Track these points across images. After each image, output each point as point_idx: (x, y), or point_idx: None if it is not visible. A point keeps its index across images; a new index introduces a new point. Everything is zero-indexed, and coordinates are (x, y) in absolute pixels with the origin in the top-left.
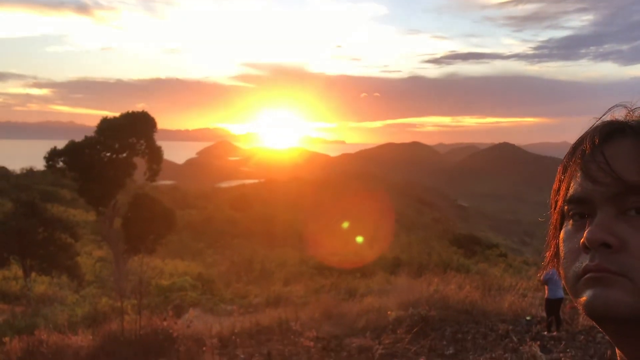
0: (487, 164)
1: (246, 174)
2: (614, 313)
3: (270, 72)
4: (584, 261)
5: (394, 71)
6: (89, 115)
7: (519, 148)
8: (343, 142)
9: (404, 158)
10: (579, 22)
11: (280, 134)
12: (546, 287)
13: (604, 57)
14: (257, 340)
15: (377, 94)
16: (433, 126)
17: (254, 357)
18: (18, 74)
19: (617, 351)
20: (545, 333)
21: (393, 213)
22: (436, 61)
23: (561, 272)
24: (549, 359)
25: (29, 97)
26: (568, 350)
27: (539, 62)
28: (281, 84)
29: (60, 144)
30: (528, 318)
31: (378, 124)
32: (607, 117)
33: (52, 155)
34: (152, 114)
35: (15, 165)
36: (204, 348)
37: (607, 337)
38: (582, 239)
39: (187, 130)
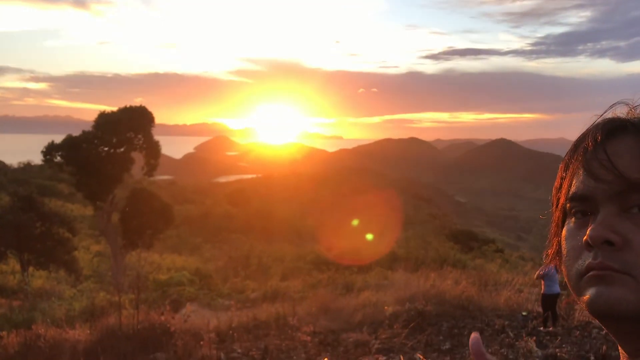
0: (484, 160)
1: (244, 169)
2: (617, 311)
3: (268, 67)
4: (587, 259)
5: (391, 67)
6: (87, 110)
7: (516, 144)
8: (341, 138)
9: (402, 154)
10: (576, 18)
11: (278, 129)
12: (542, 282)
13: (601, 53)
14: (255, 334)
15: (375, 90)
16: (431, 122)
17: (251, 351)
18: (15, 67)
19: (620, 349)
20: (542, 328)
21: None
22: (434, 57)
23: (563, 270)
24: (545, 354)
25: (26, 91)
26: (564, 345)
27: (537, 58)
28: (279, 79)
29: (58, 139)
30: (524, 313)
31: (376, 119)
32: (609, 114)
33: (50, 150)
34: (150, 108)
35: (13, 159)
36: (202, 342)
37: (608, 334)
38: (585, 237)
39: (184, 125)
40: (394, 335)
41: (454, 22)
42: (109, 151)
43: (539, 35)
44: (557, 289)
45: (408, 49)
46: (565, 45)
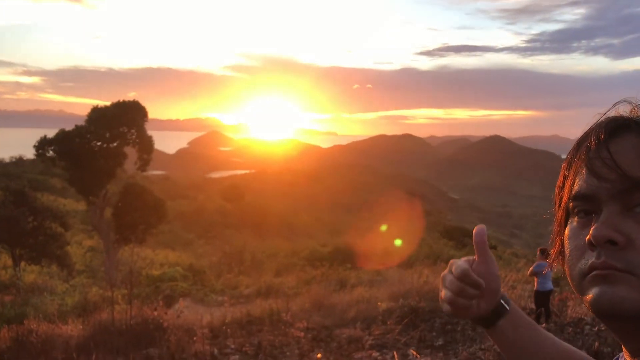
0: (478, 156)
1: (237, 164)
2: (621, 310)
3: (262, 63)
4: (590, 259)
5: (386, 63)
6: (80, 104)
7: (510, 141)
8: (335, 134)
9: (396, 150)
10: (571, 15)
11: (272, 124)
12: (535, 279)
13: (596, 51)
14: (248, 330)
15: (370, 86)
16: (425, 118)
17: (245, 347)
18: (7, 61)
19: (623, 348)
20: None
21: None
22: (429, 53)
23: (566, 269)
24: None
25: (18, 85)
26: None
27: (531, 55)
28: (273, 75)
29: (50, 133)
30: None
31: (370, 115)
32: (612, 113)
33: (42, 144)
34: (144, 103)
35: (5, 153)
36: (195, 338)
37: (600, 331)
38: (588, 236)
39: (178, 120)
40: (387, 331)
41: (449, 19)
42: (102, 146)
43: (533, 32)
44: (550, 285)
45: (403, 45)
46: (559, 42)
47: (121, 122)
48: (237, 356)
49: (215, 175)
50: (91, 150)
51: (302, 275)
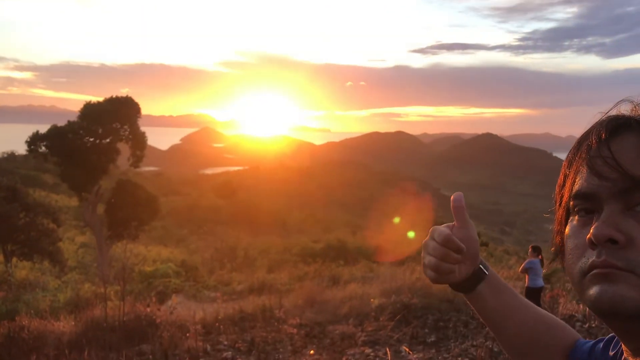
0: (470, 154)
1: (230, 161)
2: (621, 309)
3: (255, 59)
4: (591, 257)
5: (379, 60)
6: (72, 100)
7: (501, 139)
8: (328, 131)
9: (389, 147)
10: (563, 14)
11: (265, 121)
12: (526, 275)
13: (587, 49)
14: (241, 327)
15: (363, 83)
16: (417, 116)
17: (238, 343)
18: None
19: (623, 346)
20: None
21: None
22: (422, 51)
23: (566, 268)
24: None
25: (10, 80)
26: None
27: (524, 53)
28: (267, 72)
29: (43, 129)
30: None
31: (363, 112)
32: (613, 112)
33: (34, 140)
34: (136, 99)
35: None
36: (188, 334)
37: (591, 328)
38: (589, 235)
39: (171, 117)
40: (379, 327)
41: (441, 17)
42: (95, 142)
43: (526, 30)
44: (541, 282)
45: (396, 43)
46: (551, 40)
47: (114, 118)
48: (229, 352)
49: (208, 171)
50: (84, 146)
51: (295, 271)
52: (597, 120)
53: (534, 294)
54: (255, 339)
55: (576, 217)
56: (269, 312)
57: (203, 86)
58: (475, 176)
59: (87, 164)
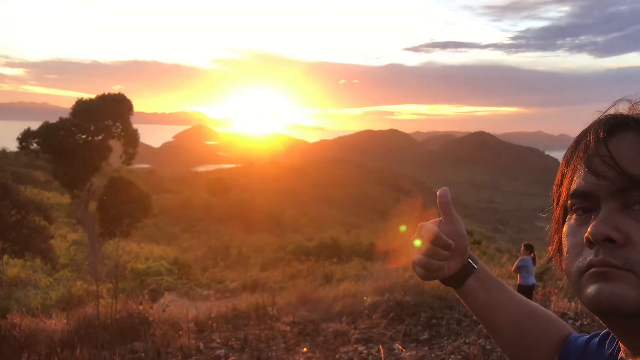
0: (463, 152)
1: (223, 158)
2: (619, 308)
3: (249, 57)
4: (588, 256)
5: (373, 58)
6: (64, 97)
7: (494, 137)
8: (322, 129)
9: (382, 145)
10: (556, 13)
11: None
12: (518, 274)
13: (580, 48)
14: (234, 325)
15: (357, 81)
16: (410, 114)
17: (231, 341)
18: None
19: (621, 345)
20: None
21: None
22: (415, 49)
23: (564, 266)
24: None
25: (1, 77)
26: None
27: (517, 52)
28: (260, 69)
29: (34, 125)
30: None
31: (357, 110)
32: (611, 111)
33: (26, 137)
34: (129, 96)
35: None
36: (180, 332)
37: (582, 325)
38: (586, 234)
39: (163, 114)
40: (372, 325)
41: (435, 15)
42: (87, 139)
43: (518, 29)
44: (532, 280)
45: (390, 41)
46: (544, 39)
47: (106, 115)
48: (223, 350)
49: (201, 169)
50: (76, 143)
51: (288, 269)
52: (594, 119)
53: (525, 291)
54: (248, 337)
55: (574, 216)
56: (262, 310)
57: (196, 83)
58: (469, 174)
59: (79, 161)
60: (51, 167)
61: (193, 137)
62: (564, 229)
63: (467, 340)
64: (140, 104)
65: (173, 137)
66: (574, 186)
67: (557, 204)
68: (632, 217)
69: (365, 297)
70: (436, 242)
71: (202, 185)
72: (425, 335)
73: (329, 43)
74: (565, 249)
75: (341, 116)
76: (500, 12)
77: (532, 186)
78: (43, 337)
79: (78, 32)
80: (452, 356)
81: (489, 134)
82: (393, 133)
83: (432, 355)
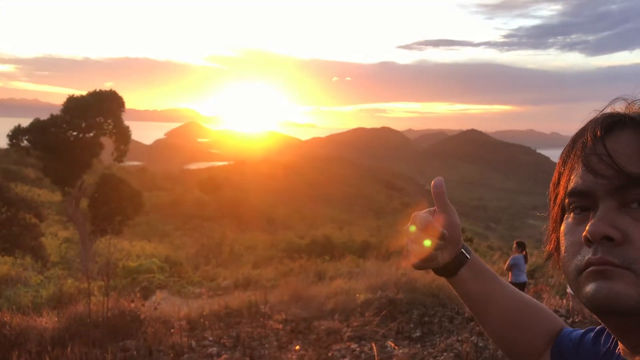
0: (455, 150)
1: (215, 156)
2: (618, 306)
3: (241, 54)
4: (586, 255)
5: (365, 56)
6: (55, 93)
7: (486, 135)
8: (314, 126)
9: (374, 143)
10: (547, 11)
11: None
12: (510, 272)
13: (571, 47)
14: (226, 322)
15: (349, 79)
16: (403, 112)
17: (223, 339)
18: None
19: (620, 344)
20: None
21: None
22: (408, 47)
23: (561, 265)
24: None
25: None
26: None
27: (509, 50)
28: (252, 67)
29: (25, 122)
30: None
31: (349, 108)
32: (608, 110)
33: (16, 134)
34: (120, 93)
35: None
36: (172, 330)
37: (574, 323)
38: (584, 233)
39: (155, 111)
40: (365, 323)
41: (428, 13)
42: (78, 136)
43: (511, 27)
44: (524, 278)
45: (382, 39)
46: (536, 37)
47: (97, 112)
48: (215, 348)
49: (193, 166)
50: (67, 140)
51: (281, 267)
52: (591, 117)
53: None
54: (240, 335)
55: (571, 215)
56: (254, 308)
57: (188, 81)
58: (460, 172)
59: (70, 158)
60: (42, 164)
61: (185, 134)
62: (562, 227)
63: (460, 338)
64: (132, 101)
65: (165, 135)
66: (571, 185)
67: (555, 202)
68: (630, 215)
69: (357, 295)
70: (430, 231)
71: (194, 183)
72: (418, 333)
73: (322, 40)
74: (563, 248)
75: (334, 114)
76: (492, 10)
77: (523, 184)
78: (34, 335)
79: (69, 29)
80: (445, 354)
81: (481, 131)
82: (386, 131)
83: (425, 352)
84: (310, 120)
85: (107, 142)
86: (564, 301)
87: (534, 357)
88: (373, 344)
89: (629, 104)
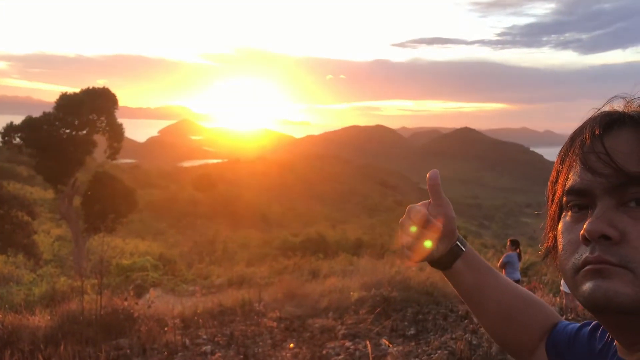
0: (448, 148)
1: (209, 153)
2: (615, 305)
3: (235, 52)
4: (584, 253)
5: (359, 54)
6: (48, 91)
7: (480, 133)
8: (308, 124)
9: (368, 141)
10: (541, 9)
11: (244, 114)
12: (504, 269)
13: (565, 45)
14: (220, 320)
15: (343, 76)
16: (397, 110)
17: (217, 337)
18: None
19: (617, 343)
20: None
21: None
22: (402, 45)
23: (559, 264)
24: None
25: None
26: None
27: (502, 48)
28: (246, 64)
29: (17, 119)
30: None
31: (343, 106)
32: (606, 108)
33: (9, 131)
34: (114, 90)
35: None
36: (166, 328)
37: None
38: (582, 231)
39: (148, 108)
40: (359, 320)
41: (422, 11)
42: (71, 133)
43: (505, 25)
44: (517, 275)
45: (377, 37)
46: (530, 36)
47: (91, 109)
48: (209, 346)
49: (187, 164)
50: (59, 137)
51: (275, 265)
52: (589, 116)
53: None
54: (234, 333)
55: (569, 213)
56: (248, 306)
57: (181, 78)
58: (454, 170)
59: (63, 155)
60: (34, 162)
61: (178, 131)
62: (560, 226)
63: (454, 336)
64: (125, 99)
65: (158, 132)
66: (569, 183)
67: (553, 200)
68: (628, 214)
69: (351, 293)
70: (425, 224)
71: (188, 181)
72: (412, 331)
73: (316, 38)
74: (560, 246)
75: (328, 112)
76: (486, 8)
77: (517, 182)
78: (26, 334)
79: (62, 26)
80: (439, 351)
81: (474, 129)
82: (379, 129)
83: (419, 350)
84: (304, 118)
85: (100, 140)
86: (557, 299)
87: (528, 349)
88: (367, 342)
89: (627, 102)
